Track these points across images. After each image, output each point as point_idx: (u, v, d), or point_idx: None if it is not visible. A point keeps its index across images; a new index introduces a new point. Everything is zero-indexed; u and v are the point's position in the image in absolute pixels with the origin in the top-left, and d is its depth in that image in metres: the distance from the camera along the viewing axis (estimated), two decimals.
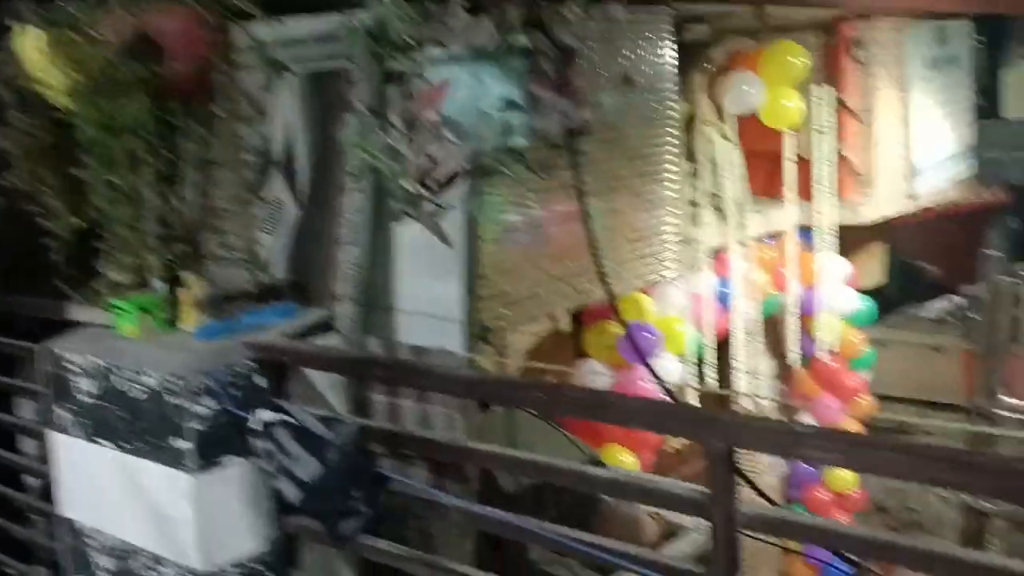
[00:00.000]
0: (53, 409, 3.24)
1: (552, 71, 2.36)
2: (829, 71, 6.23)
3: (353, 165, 3.18)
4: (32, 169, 3.71)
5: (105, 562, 3.15)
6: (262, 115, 3.82)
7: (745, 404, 5.77)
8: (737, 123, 5.83)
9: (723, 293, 5.66)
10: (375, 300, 3.42)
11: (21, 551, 4.08)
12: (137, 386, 2.89)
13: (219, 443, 2.78)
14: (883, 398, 6.41)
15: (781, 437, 1.97)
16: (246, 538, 2.82)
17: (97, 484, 3.12)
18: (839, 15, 6.16)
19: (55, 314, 3.63)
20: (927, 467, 1.74)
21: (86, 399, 3.09)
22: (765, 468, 6.36)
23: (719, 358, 5.66)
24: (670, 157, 5.25)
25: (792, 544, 5.70)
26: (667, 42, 5.12)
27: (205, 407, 2.75)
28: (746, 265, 5.78)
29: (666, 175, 5.24)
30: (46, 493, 3.54)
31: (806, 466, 6.33)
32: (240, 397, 2.76)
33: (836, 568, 5.57)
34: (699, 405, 5.32)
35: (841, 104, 6.20)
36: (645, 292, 5.24)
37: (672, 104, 5.25)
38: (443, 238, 2.64)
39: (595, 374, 4.93)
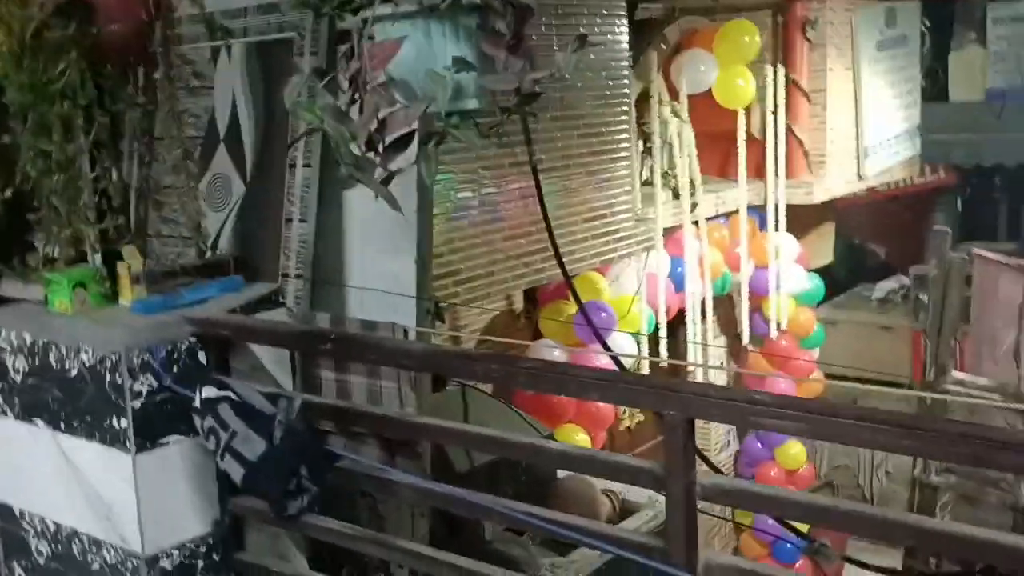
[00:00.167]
0: None
1: (505, 30, 2.28)
2: (781, 51, 6.26)
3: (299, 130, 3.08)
4: None
5: (43, 547, 3.02)
6: (206, 86, 3.69)
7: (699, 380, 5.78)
8: (690, 102, 5.83)
9: (676, 272, 5.66)
10: (325, 276, 3.33)
11: None
12: (73, 364, 2.77)
13: (160, 422, 2.67)
14: (831, 377, 6.49)
15: (741, 407, 1.94)
16: (190, 519, 2.72)
17: (32, 466, 2.99)
18: None
19: None
20: (888, 434, 1.72)
21: (18, 377, 2.95)
22: (717, 446, 6.42)
23: (672, 337, 5.67)
24: (624, 136, 5.22)
25: (747, 519, 5.80)
26: (621, 20, 5.09)
27: (144, 385, 2.63)
28: (699, 244, 5.79)
29: (620, 154, 5.21)
30: None
31: (758, 444, 6.40)
32: (181, 374, 2.65)
33: (788, 542, 5.63)
34: None
35: (793, 84, 6.24)
36: (600, 271, 5.22)
37: (625, 82, 5.23)
38: (393, 204, 2.54)
39: (550, 352, 4.89)
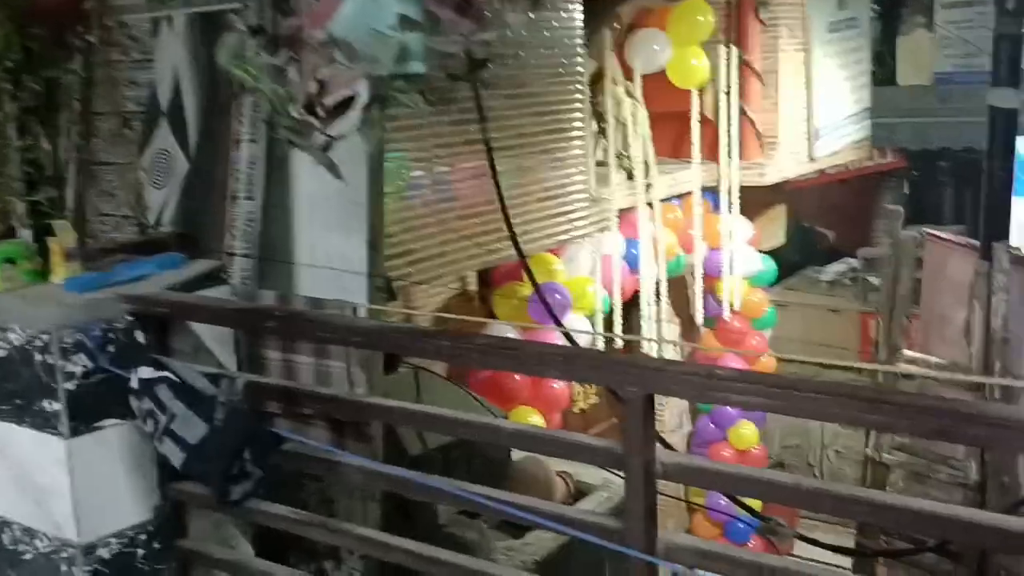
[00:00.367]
0: None
1: None
2: (734, 31, 6.24)
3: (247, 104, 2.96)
4: None
5: None
6: (147, 59, 3.56)
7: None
8: (643, 83, 5.79)
9: (631, 254, 5.63)
10: (273, 255, 3.23)
11: None
12: (1, 343, 2.63)
13: (95, 404, 2.54)
14: (782, 359, 6.54)
15: (702, 381, 1.89)
16: (127, 506, 2.60)
17: None
18: None
19: None
20: (850, 407, 1.69)
21: None
22: (670, 427, 6.42)
23: (626, 319, 5.65)
24: (578, 115, 5.16)
25: (700, 498, 5.81)
26: None
27: (78, 365, 2.50)
28: (653, 226, 5.76)
29: (574, 133, 5.15)
30: None
31: (711, 424, 6.42)
32: (117, 354, 2.52)
33: (741, 521, 5.66)
34: None
35: (745, 65, 6.23)
36: (554, 252, 5.17)
37: (579, 61, 5.16)
38: (334, 171, 2.44)
39: (505, 333, 4.82)
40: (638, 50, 5.78)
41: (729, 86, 6.12)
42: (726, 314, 6.29)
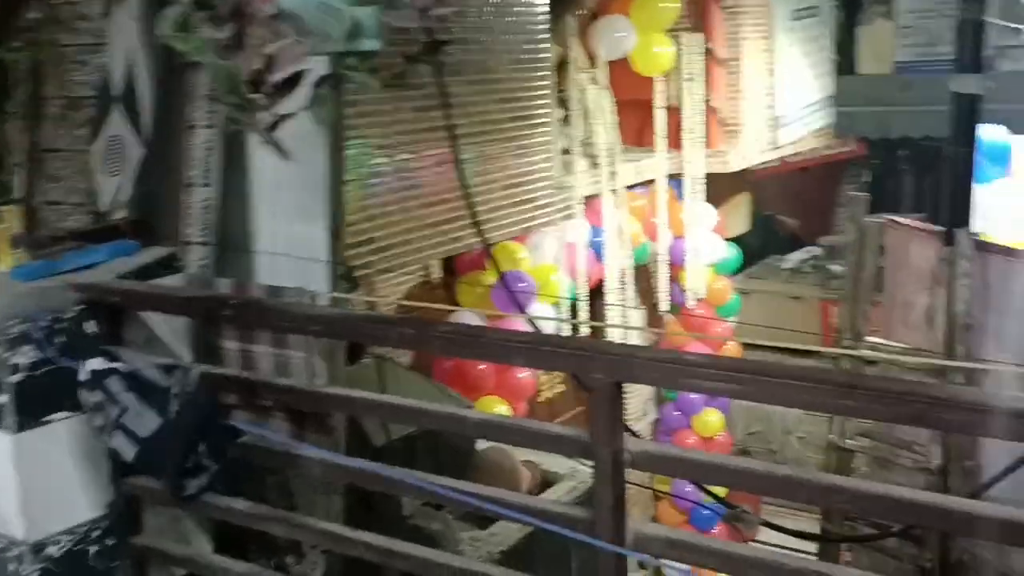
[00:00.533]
0: None
1: None
2: (698, 19, 6.23)
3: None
4: None
5: None
6: (100, 42, 3.44)
7: None
8: (609, 71, 5.75)
9: (596, 242, 5.61)
10: (231, 242, 3.14)
11: None
12: None
13: (43, 397, 2.44)
14: (746, 346, 6.57)
15: (672, 367, 1.85)
16: (78, 503, 2.51)
17: None
18: None
19: None
20: (825, 394, 1.66)
21: None
22: (634, 416, 6.42)
23: (592, 307, 5.62)
24: (543, 102, 5.11)
25: (665, 486, 5.82)
26: None
27: (25, 357, 2.39)
28: (618, 213, 5.74)
29: (539, 120, 5.10)
30: None
31: (676, 412, 6.43)
32: (66, 345, 2.42)
33: (707, 509, 5.68)
34: None
35: (709, 52, 6.22)
36: (519, 240, 5.12)
37: (544, 47, 5.11)
38: (280, 151, 2.35)
39: (471, 321, 4.77)
40: (602, 37, 5.74)
41: (693, 74, 6.11)
42: (690, 302, 6.30)
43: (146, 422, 2.15)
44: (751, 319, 6.86)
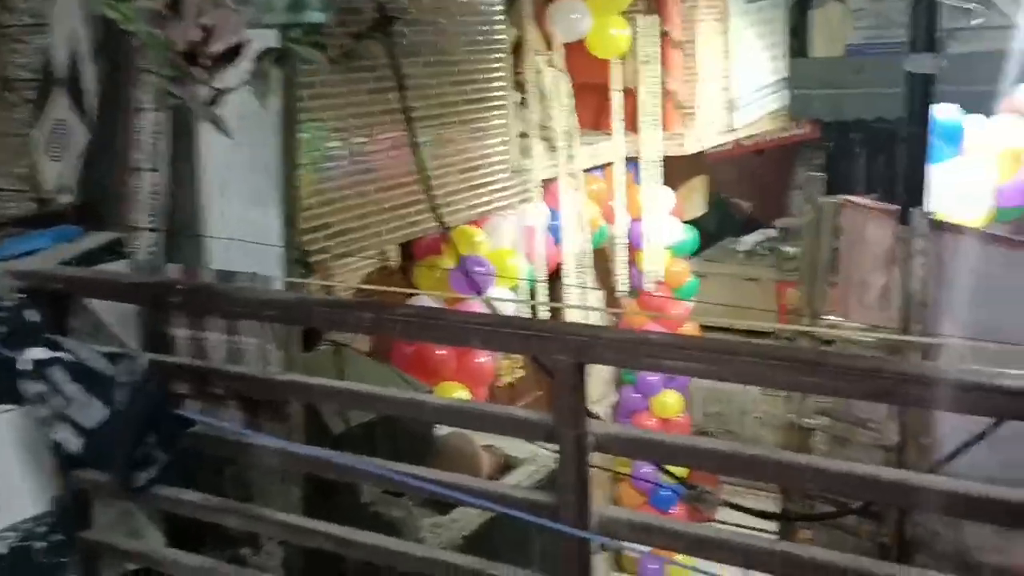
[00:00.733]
0: None
1: None
2: (653, 1, 6.21)
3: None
4: None
5: None
6: (41, 23, 3.33)
7: None
8: (565, 53, 5.71)
9: (554, 225, 5.58)
10: (181, 227, 3.05)
11: None
12: None
13: None
14: (703, 327, 6.60)
15: (636, 348, 1.83)
16: (24, 497, 2.41)
17: None
18: None
19: None
20: (789, 370, 1.65)
21: None
22: (594, 398, 6.43)
23: (551, 290, 5.60)
24: (499, 84, 5.06)
25: (625, 467, 5.84)
26: None
27: None
28: (576, 197, 5.71)
29: (496, 103, 5.05)
30: None
31: (635, 394, 6.45)
32: (7, 334, 2.32)
33: (667, 489, 5.71)
34: None
35: (665, 35, 6.21)
36: (477, 224, 5.07)
37: (500, 28, 5.05)
38: (220, 126, 2.27)
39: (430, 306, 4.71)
40: (558, 19, 5.70)
41: (649, 56, 6.09)
42: (648, 284, 6.31)
43: (92, 413, 2.07)
44: (708, 300, 6.90)
